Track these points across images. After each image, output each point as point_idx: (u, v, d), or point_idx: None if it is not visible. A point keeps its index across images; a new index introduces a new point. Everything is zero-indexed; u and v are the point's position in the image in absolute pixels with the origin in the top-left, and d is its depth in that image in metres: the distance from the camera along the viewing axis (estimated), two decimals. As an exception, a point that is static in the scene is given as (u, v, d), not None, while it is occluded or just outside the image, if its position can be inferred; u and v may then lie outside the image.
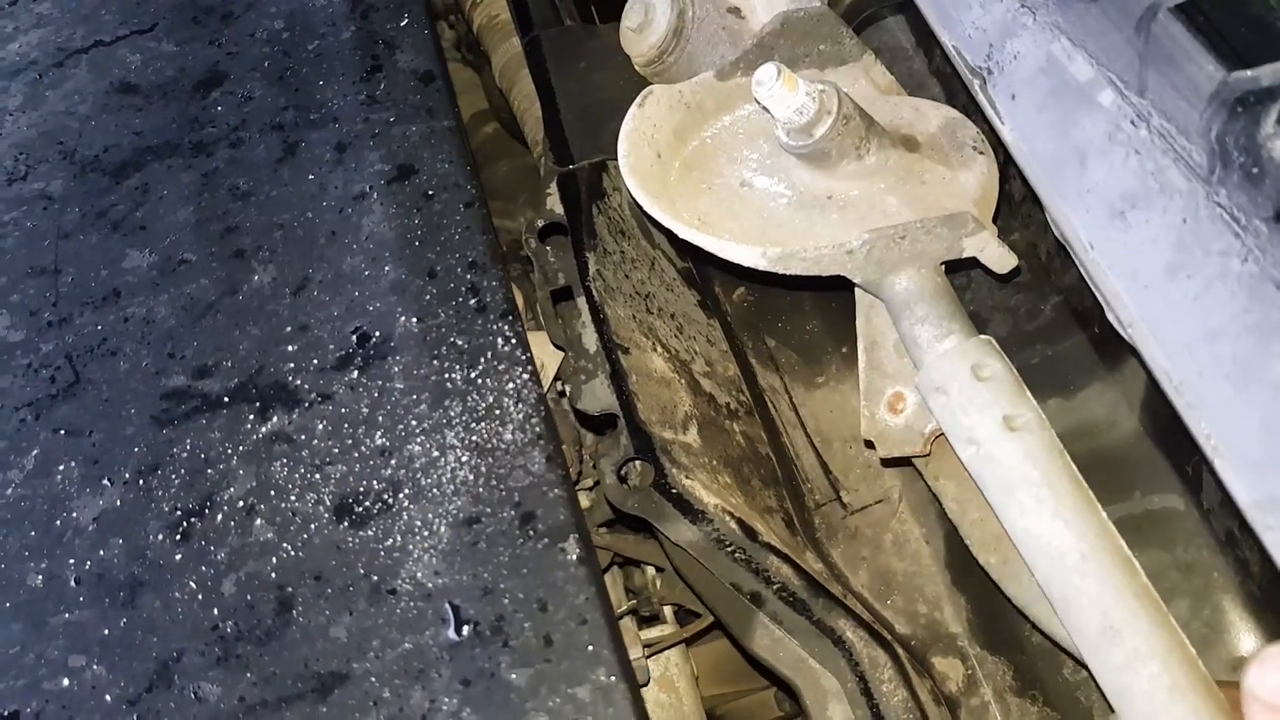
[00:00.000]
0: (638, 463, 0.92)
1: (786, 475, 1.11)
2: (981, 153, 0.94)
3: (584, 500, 1.05)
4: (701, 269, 1.22)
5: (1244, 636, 0.92)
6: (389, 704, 0.59)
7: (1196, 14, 0.68)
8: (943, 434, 0.91)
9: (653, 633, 1.12)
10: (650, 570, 1.14)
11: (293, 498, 0.66)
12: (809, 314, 1.15)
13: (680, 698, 1.17)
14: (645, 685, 1.12)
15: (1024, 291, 1.13)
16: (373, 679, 0.60)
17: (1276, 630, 0.89)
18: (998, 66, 0.78)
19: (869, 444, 0.91)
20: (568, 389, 0.96)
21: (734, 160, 0.95)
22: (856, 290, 0.95)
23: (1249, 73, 0.65)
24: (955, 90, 1.05)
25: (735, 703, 1.25)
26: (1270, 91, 0.64)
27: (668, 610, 1.14)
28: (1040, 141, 0.75)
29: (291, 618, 0.62)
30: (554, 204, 1.09)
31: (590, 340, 0.98)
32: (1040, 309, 1.13)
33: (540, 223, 1.06)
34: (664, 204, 0.89)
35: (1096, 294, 0.71)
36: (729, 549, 0.89)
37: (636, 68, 1.12)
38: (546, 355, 1.04)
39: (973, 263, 0.89)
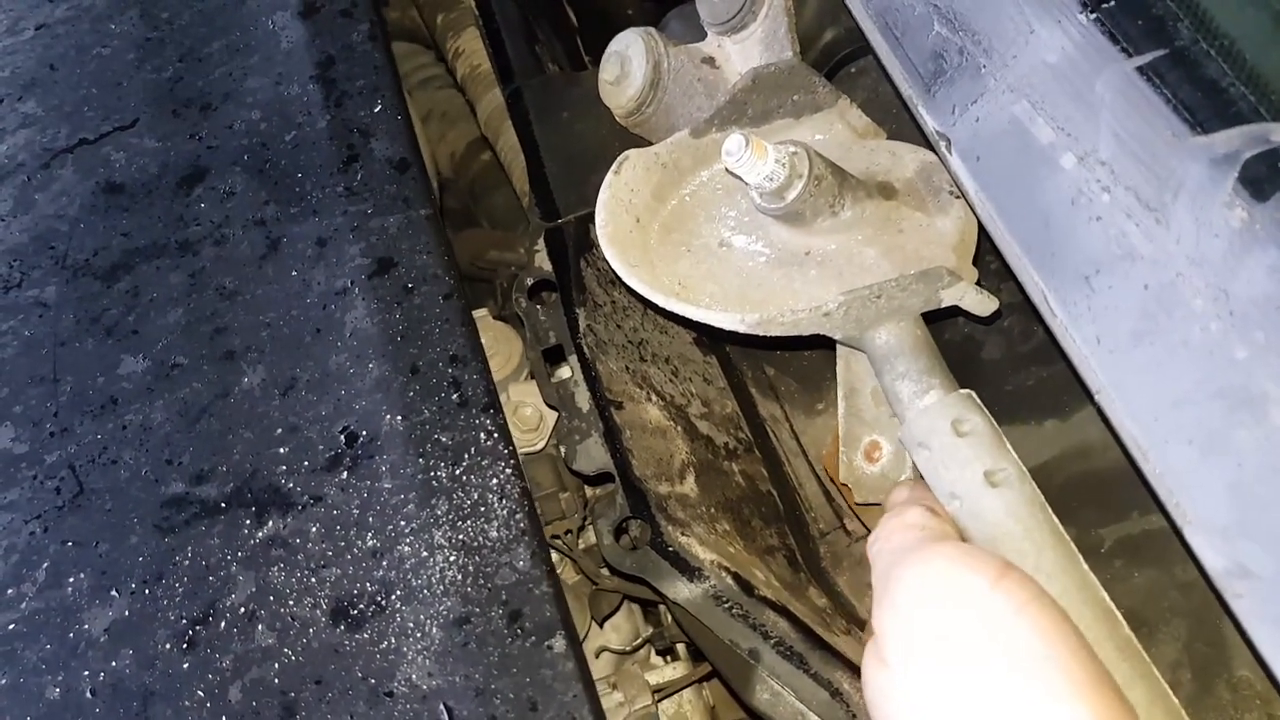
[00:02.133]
0: (635, 521, 0.94)
1: (789, 506, 1.13)
2: (958, 196, 0.94)
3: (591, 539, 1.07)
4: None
5: (1244, 654, 0.93)
6: (391, 810, 0.61)
7: (1155, 78, 0.68)
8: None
9: (664, 674, 1.14)
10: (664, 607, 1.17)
11: (291, 602, 0.68)
12: (808, 340, 1.16)
13: (697, 735, 1.19)
14: (658, 730, 1.14)
15: (1017, 313, 1.14)
16: (373, 784, 0.62)
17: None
18: (962, 129, 0.78)
19: (845, 488, 0.93)
20: (563, 450, 0.98)
21: (712, 219, 0.96)
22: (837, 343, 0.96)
23: (1206, 139, 0.65)
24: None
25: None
26: (1228, 158, 0.64)
27: (681, 647, 1.17)
28: (1005, 205, 0.75)
29: (296, 722, 0.65)
30: (541, 260, 1.10)
31: (583, 399, 1.00)
32: (1034, 330, 1.13)
33: (529, 280, 1.07)
34: (643, 271, 0.90)
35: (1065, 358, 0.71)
36: (726, 604, 0.91)
37: (617, 118, 1.13)
38: (547, 408, 1.06)
39: (955, 310, 0.90)
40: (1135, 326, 0.67)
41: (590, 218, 1.13)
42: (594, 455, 0.97)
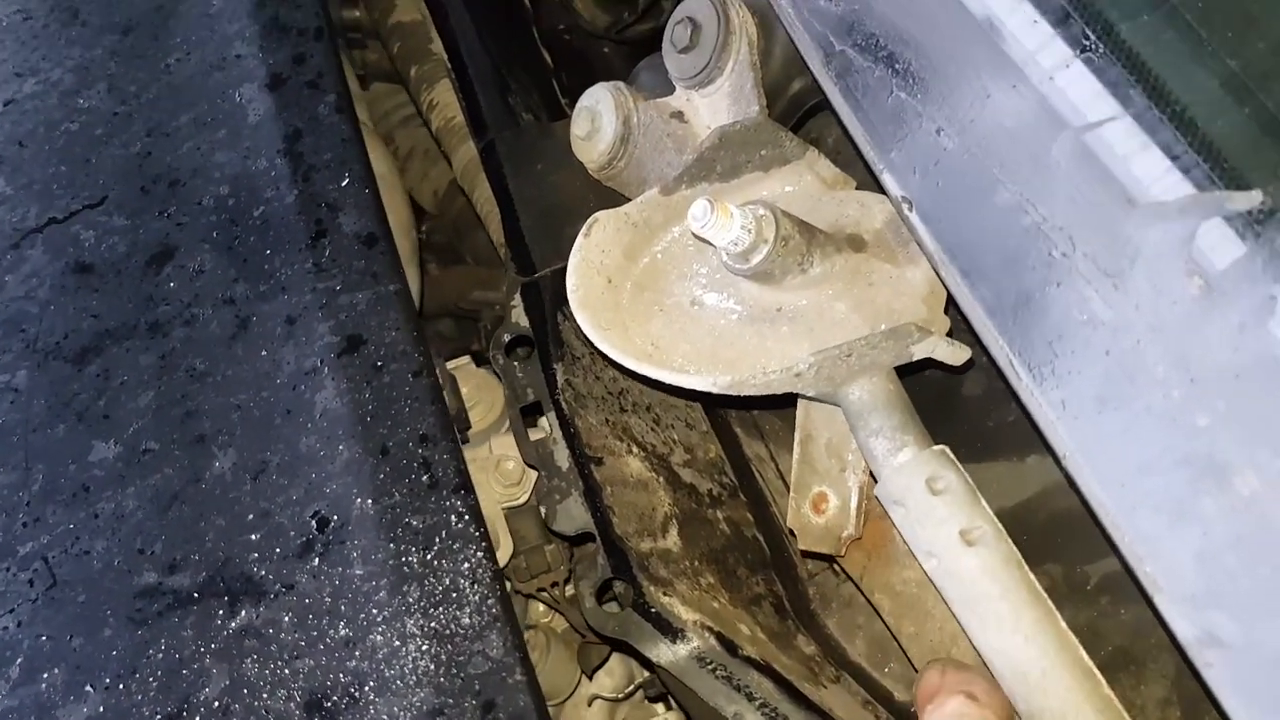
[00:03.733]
0: (617, 583, 0.93)
1: (776, 550, 1.12)
2: (927, 246, 0.94)
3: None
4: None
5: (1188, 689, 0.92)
6: None
7: (1106, 142, 0.68)
8: (861, 539, 0.95)
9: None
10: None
11: (265, 695, 0.68)
12: None
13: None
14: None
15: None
16: None
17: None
18: (922, 190, 0.78)
19: (792, 533, 0.94)
20: (544, 511, 0.98)
21: (684, 276, 0.96)
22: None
23: (1162, 202, 0.65)
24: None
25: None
26: (1184, 226, 0.64)
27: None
28: (966, 267, 0.75)
29: (275, 821, 0.64)
30: (518, 315, 1.10)
31: (562, 457, 1.00)
32: (1011, 364, 1.13)
33: (506, 337, 1.07)
34: (616, 335, 0.90)
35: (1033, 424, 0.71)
36: (709, 666, 0.90)
37: (590, 172, 1.14)
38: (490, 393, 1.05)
39: (928, 362, 0.90)
40: (1100, 392, 0.67)
41: (566, 270, 1.14)
42: (574, 515, 0.97)
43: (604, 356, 0.90)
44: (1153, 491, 0.64)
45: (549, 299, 1.11)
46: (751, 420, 1.19)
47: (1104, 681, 0.74)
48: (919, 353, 0.87)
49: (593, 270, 0.94)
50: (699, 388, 0.86)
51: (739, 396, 0.88)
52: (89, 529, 0.77)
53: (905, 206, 0.79)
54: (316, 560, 0.72)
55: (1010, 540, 0.79)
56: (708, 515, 1.06)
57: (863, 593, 1.00)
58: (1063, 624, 0.76)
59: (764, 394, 0.87)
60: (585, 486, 0.98)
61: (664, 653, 0.90)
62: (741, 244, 0.85)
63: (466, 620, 0.68)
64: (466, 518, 0.71)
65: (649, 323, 0.93)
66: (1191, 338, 0.63)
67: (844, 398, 0.88)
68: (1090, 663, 0.75)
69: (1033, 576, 0.78)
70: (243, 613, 0.71)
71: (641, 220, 0.98)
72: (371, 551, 0.71)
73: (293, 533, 0.73)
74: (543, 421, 1.04)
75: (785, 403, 0.92)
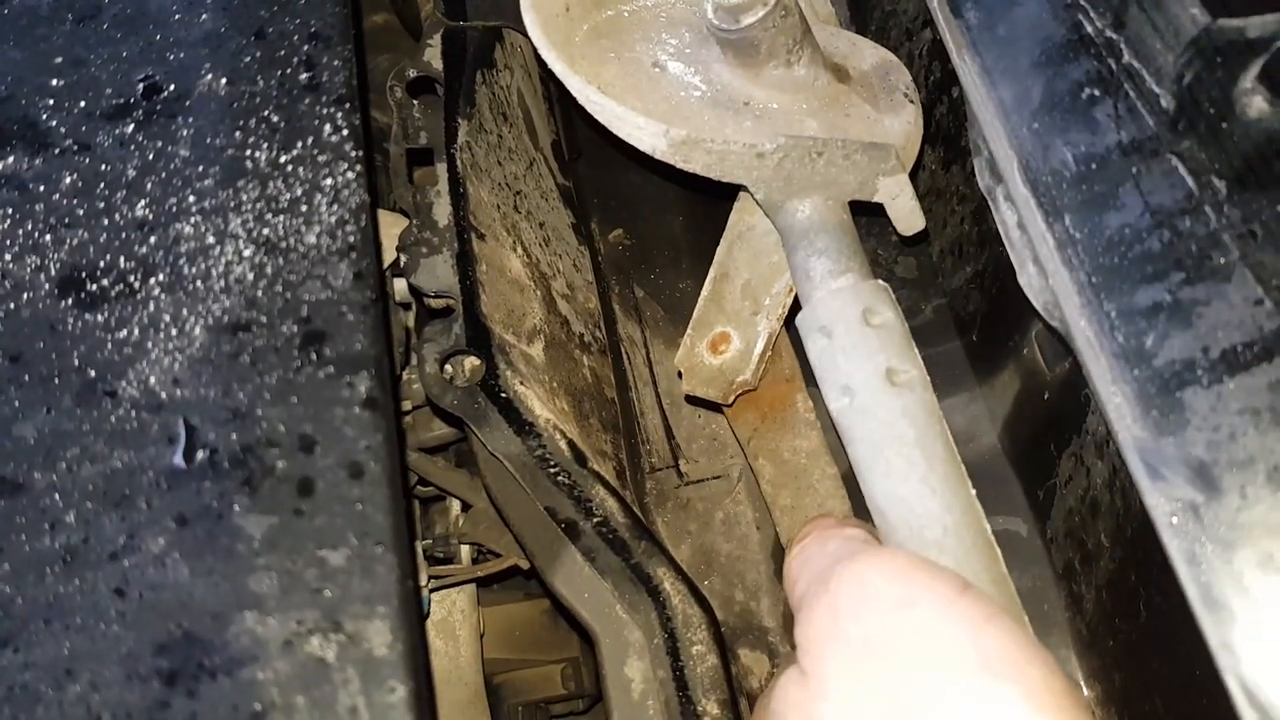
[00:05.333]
0: (468, 358, 0.79)
1: (628, 429, 1.01)
2: (912, 101, 0.86)
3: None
4: (582, 199, 1.10)
5: (1067, 671, 0.87)
6: (69, 530, 0.44)
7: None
8: (755, 393, 0.86)
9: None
10: (455, 507, 1.01)
11: (7, 257, 0.50)
12: (685, 273, 1.06)
13: (459, 648, 1.03)
14: (425, 619, 0.98)
15: (908, 288, 1.07)
16: (56, 495, 0.44)
17: (1098, 668, 0.85)
18: None
19: (680, 374, 0.85)
20: (404, 260, 0.82)
21: (650, 40, 0.84)
22: (730, 220, 0.86)
23: (1235, 22, 0.59)
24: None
25: (518, 672, 1.13)
26: (1253, 44, 0.57)
27: (465, 550, 1.00)
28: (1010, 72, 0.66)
29: (-36, 402, 0.46)
30: (433, 58, 0.95)
31: (442, 212, 0.85)
32: (921, 309, 1.07)
33: (412, 72, 0.91)
34: (564, 57, 0.77)
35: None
36: (552, 469, 0.77)
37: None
38: (389, 236, 0.89)
39: (878, 212, 0.80)
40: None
41: (500, 34, 0.99)
42: (439, 274, 0.82)
43: (550, 75, 0.76)
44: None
45: (473, 53, 0.96)
46: (633, 301, 1.08)
47: (1001, 559, 0.66)
48: (883, 191, 0.78)
49: (554, -12, 0.80)
50: (647, 136, 0.73)
51: (680, 169, 0.76)
52: None
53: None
54: (131, 127, 0.54)
55: (935, 395, 0.70)
56: (574, 354, 0.92)
57: (746, 456, 0.90)
58: (971, 490, 0.67)
59: (712, 172, 0.75)
60: (460, 250, 0.83)
61: (505, 442, 0.76)
62: (740, -9, 0.73)
63: (312, 239, 0.51)
64: (345, 133, 0.55)
65: (601, 66, 0.80)
66: None
67: (791, 212, 0.77)
68: (992, 537, 0.66)
69: (950, 437, 0.69)
70: (10, 159, 0.52)
71: (619, -31, 0.86)
72: (208, 134, 0.54)
73: (109, 90, 0.55)
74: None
75: (719, 189, 0.80)
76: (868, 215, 0.81)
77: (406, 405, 0.90)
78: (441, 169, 0.87)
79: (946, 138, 0.95)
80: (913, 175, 0.85)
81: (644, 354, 1.07)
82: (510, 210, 0.95)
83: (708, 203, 1.00)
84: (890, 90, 0.85)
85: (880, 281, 0.73)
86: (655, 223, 1.08)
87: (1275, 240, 0.53)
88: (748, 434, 0.88)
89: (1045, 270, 0.59)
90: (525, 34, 0.80)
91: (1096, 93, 0.61)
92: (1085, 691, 0.86)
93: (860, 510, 0.84)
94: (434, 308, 0.83)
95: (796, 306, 0.76)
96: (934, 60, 0.94)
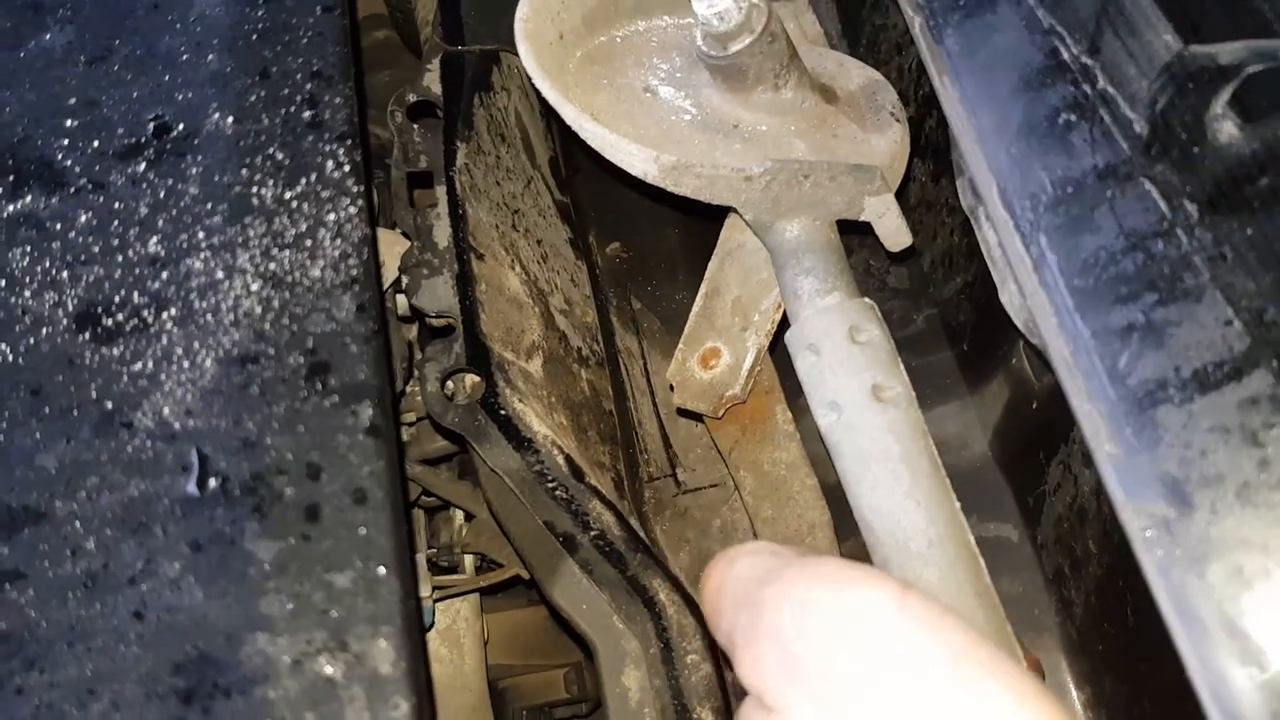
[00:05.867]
0: (469, 376, 0.81)
1: (626, 440, 1.03)
2: (899, 120, 0.88)
3: (403, 435, 0.93)
4: (580, 213, 1.13)
5: (1057, 675, 0.89)
6: (90, 556, 0.46)
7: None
8: (740, 407, 0.88)
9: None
10: (458, 517, 1.03)
11: (27, 294, 0.52)
12: (681, 284, 1.08)
13: (464, 655, 1.05)
14: (429, 630, 1.00)
15: (899, 298, 1.09)
16: (77, 523, 0.47)
17: (1088, 671, 0.86)
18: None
19: (671, 387, 0.88)
20: (405, 281, 0.84)
21: (642, 65, 0.86)
22: (721, 237, 0.89)
23: (1207, 48, 0.60)
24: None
25: (522, 677, 1.15)
26: (1225, 70, 0.59)
27: (469, 560, 1.03)
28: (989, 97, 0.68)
29: (-11, 434, 0.48)
30: (432, 82, 0.97)
31: (442, 234, 0.87)
32: (913, 318, 1.09)
33: (412, 97, 0.94)
34: (557, 85, 0.79)
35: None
36: (550, 484, 0.79)
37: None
38: (390, 253, 0.92)
39: (866, 231, 0.83)
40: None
41: (497, 57, 1.01)
42: (440, 295, 0.84)
43: (542, 102, 0.78)
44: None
45: (470, 77, 0.99)
46: (630, 314, 1.10)
47: (986, 571, 0.68)
48: (870, 210, 0.80)
49: (548, 16, 0.82)
50: (638, 162, 0.76)
51: (671, 194, 0.78)
52: None
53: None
54: (143, 166, 0.57)
55: (920, 412, 0.72)
56: (572, 368, 0.95)
57: (728, 467, 0.92)
58: (956, 504, 0.69)
59: (702, 196, 0.78)
60: (460, 272, 0.85)
61: (504, 458, 0.78)
62: (728, 20, 0.75)
63: (317, 273, 0.54)
64: (346, 169, 0.57)
65: (594, 94, 0.82)
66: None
67: (780, 232, 0.80)
68: (976, 549, 0.68)
69: (935, 451, 0.71)
70: (28, 198, 0.55)
71: (611, -7, 0.88)
72: (216, 173, 0.57)
73: (121, 130, 0.58)
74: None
75: (708, 210, 0.82)
76: (860, 231, 0.83)
77: (410, 418, 0.93)
78: (441, 191, 0.89)
79: (936, 151, 0.97)
80: (903, 188, 0.87)
81: (641, 365, 1.09)
82: (508, 229, 0.97)
83: (703, 216, 1.03)
84: (877, 109, 0.87)
85: (867, 299, 0.75)
86: (652, 236, 1.10)
87: (1245, 262, 0.55)
88: (729, 446, 0.90)
89: (1023, 290, 0.61)
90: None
91: (1072, 118, 0.63)
92: (1075, 694, 0.88)
93: (841, 519, 0.86)
94: (435, 326, 0.85)
95: (785, 322, 0.79)
96: (923, 75, 0.96)
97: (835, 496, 0.90)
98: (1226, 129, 0.58)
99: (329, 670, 0.44)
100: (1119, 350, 0.56)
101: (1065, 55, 0.65)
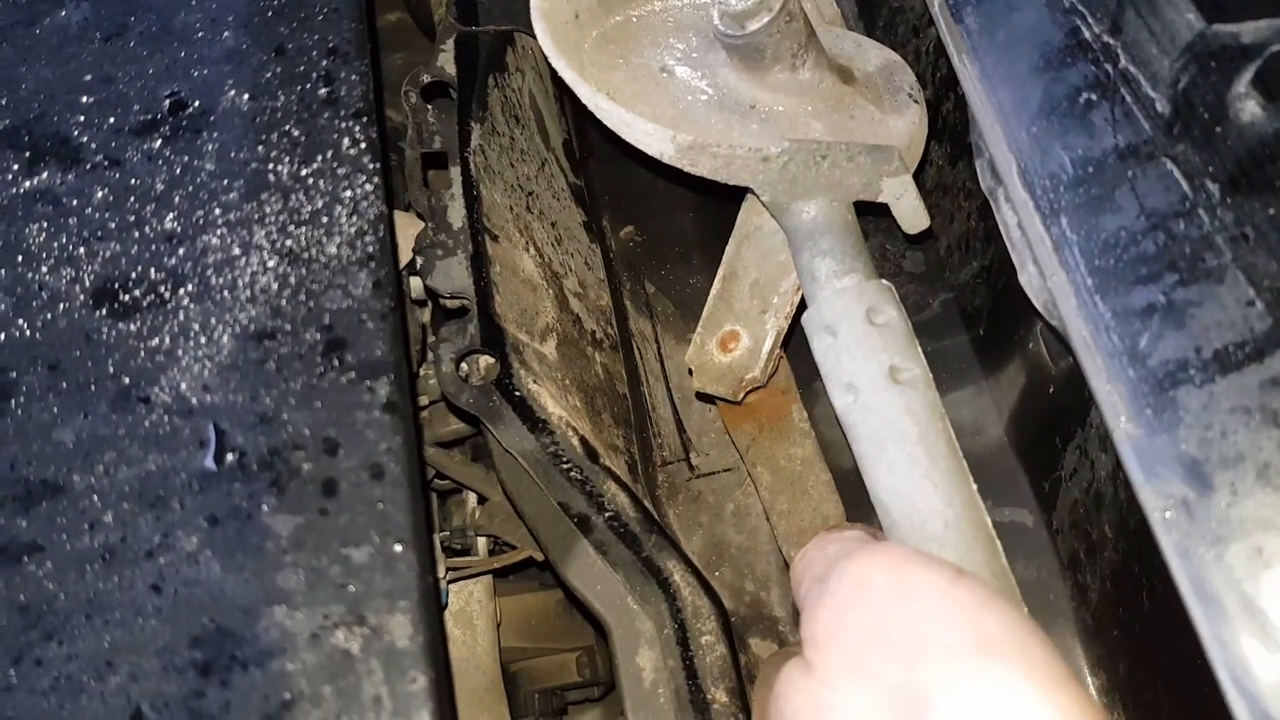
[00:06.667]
0: (483, 357, 0.81)
1: (639, 424, 1.03)
2: (916, 101, 0.87)
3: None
4: (593, 196, 1.12)
5: (1072, 660, 0.88)
6: (108, 529, 0.46)
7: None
8: (756, 405, 0.88)
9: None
10: (471, 500, 1.03)
11: (44, 270, 0.52)
12: (695, 268, 1.08)
13: (477, 637, 1.06)
14: (443, 610, 1.00)
15: (915, 283, 1.08)
16: (95, 497, 0.47)
17: (1103, 657, 0.86)
18: None
19: (691, 371, 0.87)
20: (420, 262, 0.84)
21: (658, 45, 0.86)
22: (738, 220, 0.88)
23: (1230, 27, 0.60)
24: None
25: (534, 660, 1.15)
26: (1247, 50, 0.59)
27: (481, 542, 1.03)
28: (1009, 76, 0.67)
29: (8, 408, 0.48)
30: (446, 63, 0.97)
31: (457, 215, 0.87)
32: (929, 303, 1.08)
33: (426, 78, 0.93)
34: (573, 64, 0.79)
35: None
36: (565, 465, 0.79)
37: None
38: (405, 236, 0.92)
39: (883, 211, 0.82)
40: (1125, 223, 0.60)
41: (512, 38, 1.01)
42: (454, 276, 0.84)
43: (557, 82, 0.78)
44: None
45: (485, 57, 0.98)
46: (644, 297, 1.10)
47: (1002, 553, 0.67)
48: (888, 191, 0.80)
49: (564, -5, 0.81)
50: (655, 141, 0.75)
51: (688, 174, 0.78)
52: None
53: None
54: (159, 143, 0.57)
55: (938, 392, 0.72)
56: (586, 351, 0.95)
57: (745, 463, 0.92)
58: (974, 486, 0.68)
59: (718, 176, 0.77)
60: (474, 252, 0.85)
61: (519, 439, 0.78)
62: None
63: (333, 249, 0.54)
64: (363, 145, 0.57)
65: (610, 73, 0.82)
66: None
67: (796, 213, 0.79)
68: (993, 531, 0.67)
69: (953, 434, 0.70)
70: (44, 174, 0.55)
71: (628, -25, 0.87)
72: (232, 149, 0.56)
73: (137, 107, 0.58)
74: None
75: (726, 192, 0.82)
76: (876, 213, 0.82)
77: (424, 400, 0.93)
78: (455, 172, 0.89)
79: (953, 133, 0.97)
80: (919, 171, 0.87)
81: (655, 349, 1.09)
82: (523, 211, 0.97)
83: (717, 199, 1.02)
84: (895, 91, 0.87)
85: (884, 281, 0.74)
86: (666, 219, 1.09)
87: (1267, 243, 0.54)
88: (745, 443, 0.90)
89: (1043, 271, 0.61)
90: (536, 37, 0.82)
91: (1094, 97, 0.62)
92: (1090, 680, 0.87)
93: (854, 511, 0.86)
94: (450, 308, 0.85)
95: (804, 305, 0.78)
96: (941, 56, 0.95)
97: (845, 487, 0.90)
98: (1249, 108, 0.57)
99: (346, 644, 0.44)
100: (1139, 331, 0.55)
101: (1086, 34, 0.64)
